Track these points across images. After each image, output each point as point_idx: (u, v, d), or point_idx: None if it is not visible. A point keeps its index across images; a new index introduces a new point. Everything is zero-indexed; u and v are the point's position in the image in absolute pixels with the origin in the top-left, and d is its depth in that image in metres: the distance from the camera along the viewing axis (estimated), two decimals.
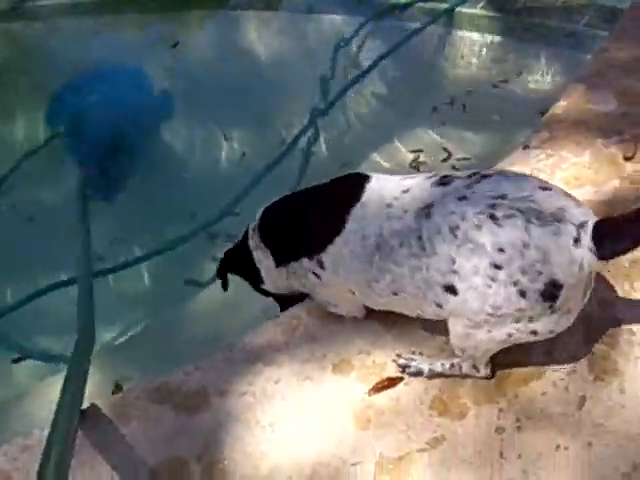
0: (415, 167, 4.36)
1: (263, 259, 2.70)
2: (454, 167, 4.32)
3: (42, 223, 4.60)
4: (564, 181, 3.05)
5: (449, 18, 5.24)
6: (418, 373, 2.53)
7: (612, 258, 2.18)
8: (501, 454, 2.32)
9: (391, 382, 2.54)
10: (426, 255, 2.19)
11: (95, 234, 4.12)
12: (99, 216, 4.46)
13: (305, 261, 2.52)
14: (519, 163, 3.17)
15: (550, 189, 2.18)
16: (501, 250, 2.06)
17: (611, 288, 2.67)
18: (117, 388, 3.30)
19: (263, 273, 2.74)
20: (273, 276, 2.71)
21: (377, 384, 2.54)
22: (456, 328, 2.31)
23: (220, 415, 2.54)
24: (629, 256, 2.72)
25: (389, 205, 2.31)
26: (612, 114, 3.35)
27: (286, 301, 2.84)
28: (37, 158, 5.00)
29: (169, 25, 5.99)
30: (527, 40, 4.98)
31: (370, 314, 2.67)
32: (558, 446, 2.32)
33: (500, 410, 2.42)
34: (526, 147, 3.26)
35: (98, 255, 4.20)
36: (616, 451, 2.29)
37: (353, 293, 2.51)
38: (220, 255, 2.92)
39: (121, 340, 3.99)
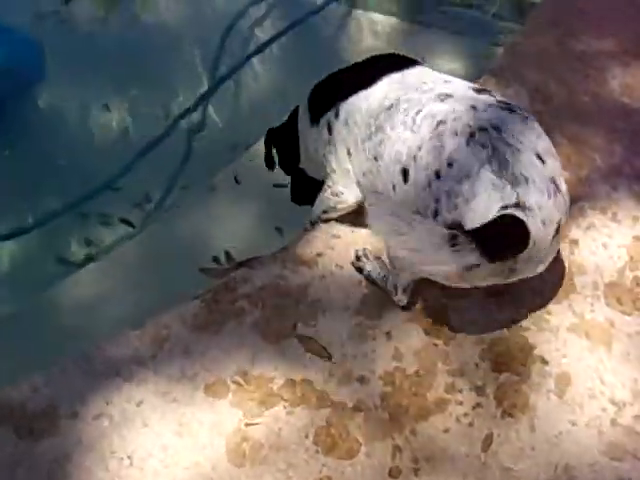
0: None
1: (303, 126, 2.73)
2: None
3: None
4: None
5: None
6: (359, 270, 2.52)
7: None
8: None
9: None
10: (410, 129, 2.18)
11: None
12: None
13: (328, 114, 2.54)
14: None
15: (544, 162, 2.08)
16: (450, 165, 2.04)
17: (521, 308, 2.41)
18: None
19: (301, 144, 2.80)
20: (306, 142, 2.74)
21: None
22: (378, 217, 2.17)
23: (70, 442, 2.17)
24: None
25: (424, 82, 2.33)
26: None
27: (302, 192, 2.98)
28: None
29: None
30: (432, 25, 4.68)
31: (252, 329, 2.34)
32: None
33: (396, 448, 2.12)
34: None
35: None
36: None
37: (349, 154, 2.47)
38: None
39: None
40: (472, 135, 2.05)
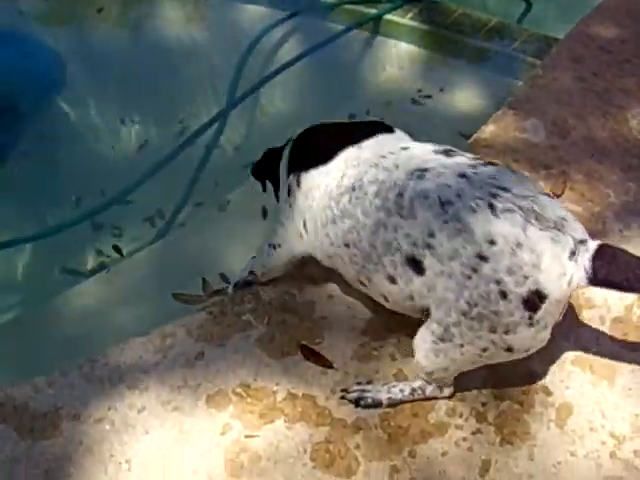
0: None
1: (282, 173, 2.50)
2: None
3: None
4: None
5: (376, 24, 4.92)
6: (375, 404, 2.24)
7: (600, 286, 1.97)
8: None
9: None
10: (400, 215, 2.01)
11: None
12: None
13: (291, 176, 2.36)
14: None
15: (553, 197, 2.06)
16: (492, 242, 1.89)
17: None
18: None
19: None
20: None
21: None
22: (425, 344, 2.08)
23: (70, 444, 2.18)
24: None
25: (383, 156, 2.15)
26: (541, 145, 3.09)
27: None
28: None
29: None
30: (453, 56, 4.69)
31: (257, 344, 2.35)
32: None
33: (394, 469, 2.12)
34: None
35: None
36: None
37: (304, 226, 2.31)
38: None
39: None
40: (491, 206, 1.92)
